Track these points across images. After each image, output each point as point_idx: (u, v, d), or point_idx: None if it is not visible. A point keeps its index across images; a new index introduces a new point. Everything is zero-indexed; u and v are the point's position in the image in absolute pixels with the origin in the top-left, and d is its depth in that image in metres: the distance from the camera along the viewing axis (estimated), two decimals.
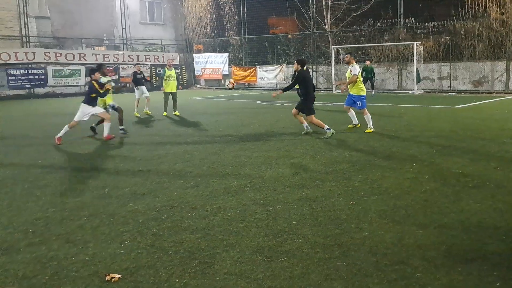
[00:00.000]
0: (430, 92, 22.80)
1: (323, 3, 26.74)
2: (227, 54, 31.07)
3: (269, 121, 13.07)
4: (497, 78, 21.44)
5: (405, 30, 24.88)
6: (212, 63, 31.64)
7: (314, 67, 27.18)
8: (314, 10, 27.47)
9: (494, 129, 10.27)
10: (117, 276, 3.60)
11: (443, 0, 23.57)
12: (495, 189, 5.67)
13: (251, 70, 29.67)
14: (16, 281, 3.60)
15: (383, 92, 23.68)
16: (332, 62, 24.96)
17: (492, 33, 21.55)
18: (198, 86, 32.72)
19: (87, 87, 11.71)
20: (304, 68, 9.97)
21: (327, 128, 9.80)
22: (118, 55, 28.68)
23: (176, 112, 15.09)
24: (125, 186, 6.29)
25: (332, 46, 25.44)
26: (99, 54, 28.06)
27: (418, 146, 8.56)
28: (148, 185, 6.33)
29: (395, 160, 7.46)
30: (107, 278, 3.58)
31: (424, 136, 9.65)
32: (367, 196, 5.56)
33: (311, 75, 10.10)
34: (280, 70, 28.23)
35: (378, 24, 25.93)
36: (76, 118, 9.98)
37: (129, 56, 29.13)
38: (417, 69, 22.29)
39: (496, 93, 20.94)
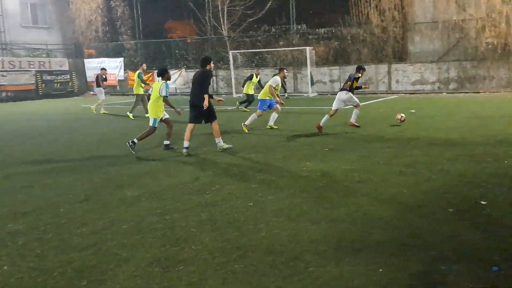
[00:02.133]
0: (323, 94, 24.05)
1: (219, 8, 26.99)
2: (121, 59, 29.93)
3: None
4: (381, 80, 23.30)
5: (298, 35, 26.04)
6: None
7: (214, 72, 27.32)
8: (211, 15, 27.63)
9: (379, 127, 11.11)
10: None
11: (331, 8, 25.08)
12: (379, 183, 6.10)
13: (148, 75, 28.80)
14: None
15: (281, 94, 24.50)
16: (231, 67, 25.26)
17: (374, 38, 23.42)
18: (91, 93, 31.00)
19: None
20: (208, 67, 8.58)
21: (185, 147, 8.63)
22: None
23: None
24: (4, 205, 5.72)
25: (230, 51, 25.76)
26: None
27: (312, 146, 8.95)
28: (32, 202, 5.81)
29: (292, 160, 7.72)
30: None
31: (317, 136, 10.12)
32: (265, 197, 5.67)
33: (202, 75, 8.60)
34: (179, 75, 27.88)
35: (273, 29, 26.85)
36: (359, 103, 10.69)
37: (9, 62, 26.63)
38: (310, 72, 23.41)
39: (380, 93, 22.73)
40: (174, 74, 28.07)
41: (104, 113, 16.93)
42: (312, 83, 23.74)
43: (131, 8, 30.33)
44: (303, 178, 6.48)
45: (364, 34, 23.67)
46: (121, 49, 31.04)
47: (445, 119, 12.01)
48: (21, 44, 29.18)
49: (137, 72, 15.47)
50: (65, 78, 29.20)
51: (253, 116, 11.28)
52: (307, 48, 23.59)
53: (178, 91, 27.86)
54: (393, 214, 4.84)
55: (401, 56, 23.39)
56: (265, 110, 11.33)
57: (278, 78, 11.05)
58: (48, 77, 28.40)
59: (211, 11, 27.62)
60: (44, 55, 30.03)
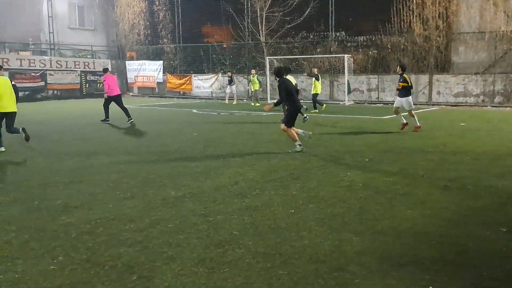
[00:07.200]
0: (359, 103, 23.82)
1: (258, 14, 27.18)
2: (161, 62, 30.60)
3: (206, 130, 13.00)
4: (421, 90, 22.84)
5: (336, 43, 25.89)
6: (145, 71, 30.99)
7: (250, 77, 27.51)
8: (249, 20, 27.84)
9: (419, 139, 10.90)
10: None
11: (372, 16, 24.80)
12: (424, 196, 5.98)
13: (186, 78, 29.40)
14: None
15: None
16: (267, 72, 25.35)
17: (416, 48, 22.98)
18: (131, 94, 31.88)
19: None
20: (285, 77, 9.62)
21: (298, 144, 9.23)
22: (44, 60, 27.21)
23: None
24: (56, 198, 5.96)
25: (267, 57, 25.88)
26: (24, 59, 26.46)
27: (351, 156, 8.87)
28: (81, 197, 6.03)
29: (330, 169, 7.68)
30: None
31: (356, 146, 10.02)
32: (305, 205, 5.67)
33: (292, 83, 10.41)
34: (216, 79, 28.24)
35: (311, 36, 26.78)
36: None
37: (57, 61, 27.74)
38: (347, 80, 23.22)
39: (420, 104, 22.23)
40: (211, 78, 28.47)
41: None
42: (349, 92, 23.55)
43: (172, 12, 30.95)
44: (344, 188, 6.43)
45: (405, 43, 23.28)
46: (161, 53, 31.72)
47: (490, 133, 11.66)
48: (68, 45, 30.32)
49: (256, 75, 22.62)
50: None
51: None
52: (345, 55, 23.41)
53: (214, 95, 28.20)
54: (439, 230, 4.73)
55: (443, 66, 22.85)
56: None
57: None
58: (92, 78, 29.33)
59: (249, 17, 27.83)
60: (88, 56, 31.08)
